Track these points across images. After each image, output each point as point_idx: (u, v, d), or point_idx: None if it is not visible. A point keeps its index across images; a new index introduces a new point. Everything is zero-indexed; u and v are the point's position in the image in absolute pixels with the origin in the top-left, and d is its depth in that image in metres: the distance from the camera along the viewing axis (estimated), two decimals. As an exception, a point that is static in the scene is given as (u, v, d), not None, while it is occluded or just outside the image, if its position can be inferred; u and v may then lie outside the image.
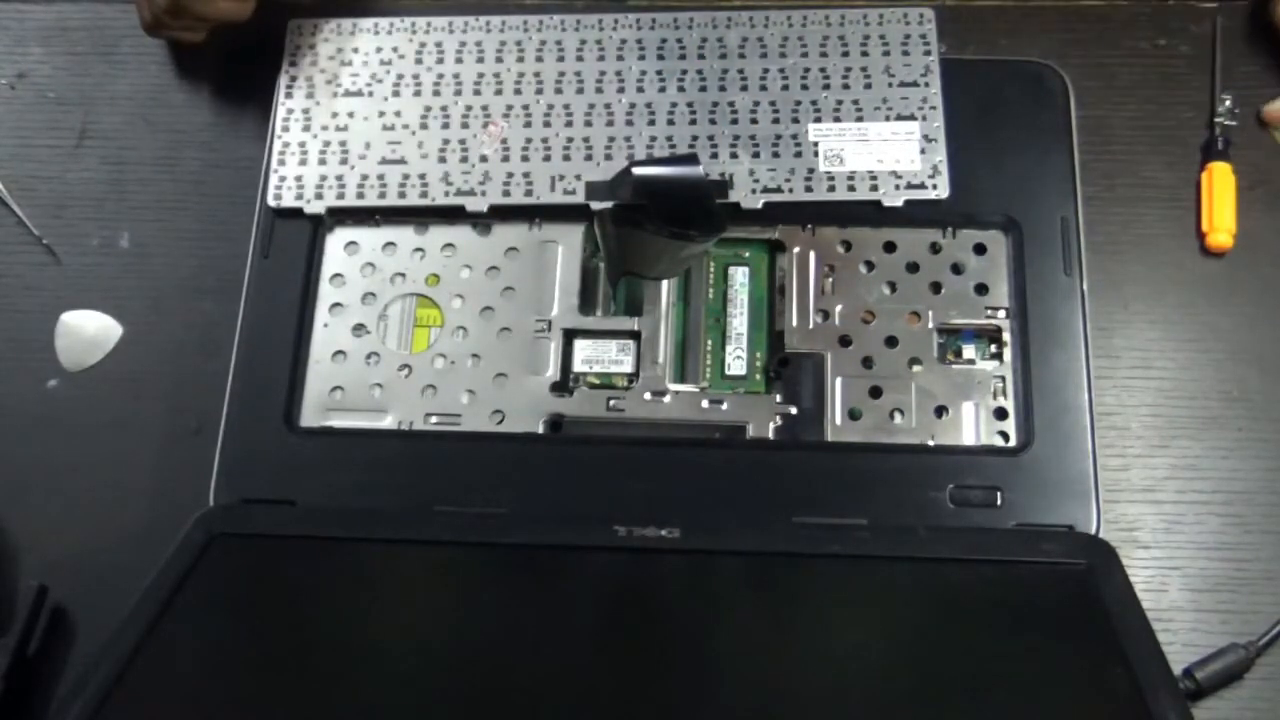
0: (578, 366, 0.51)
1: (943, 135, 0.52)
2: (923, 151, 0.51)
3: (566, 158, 0.52)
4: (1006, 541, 0.45)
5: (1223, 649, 0.46)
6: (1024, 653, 0.40)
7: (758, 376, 0.51)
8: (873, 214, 0.51)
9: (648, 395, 0.50)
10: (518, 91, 0.54)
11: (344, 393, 0.51)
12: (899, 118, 0.52)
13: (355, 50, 0.55)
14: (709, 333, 0.52)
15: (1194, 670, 0.45)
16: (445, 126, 0.53)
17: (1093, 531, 0.46)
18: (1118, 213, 0.53)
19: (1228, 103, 0.53)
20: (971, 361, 0.50)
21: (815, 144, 0.52)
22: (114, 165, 0.57)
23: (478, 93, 0.54)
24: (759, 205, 0.51)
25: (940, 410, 0.49)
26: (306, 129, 0.53)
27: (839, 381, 0.50)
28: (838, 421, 0.49)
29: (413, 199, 0.52)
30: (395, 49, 0.55)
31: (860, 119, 0.52)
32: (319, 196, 0.52)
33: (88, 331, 0.54)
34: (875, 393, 0.49)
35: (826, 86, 0.53)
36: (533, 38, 0.55)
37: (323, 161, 0.53)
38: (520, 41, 0.54)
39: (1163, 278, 0.52)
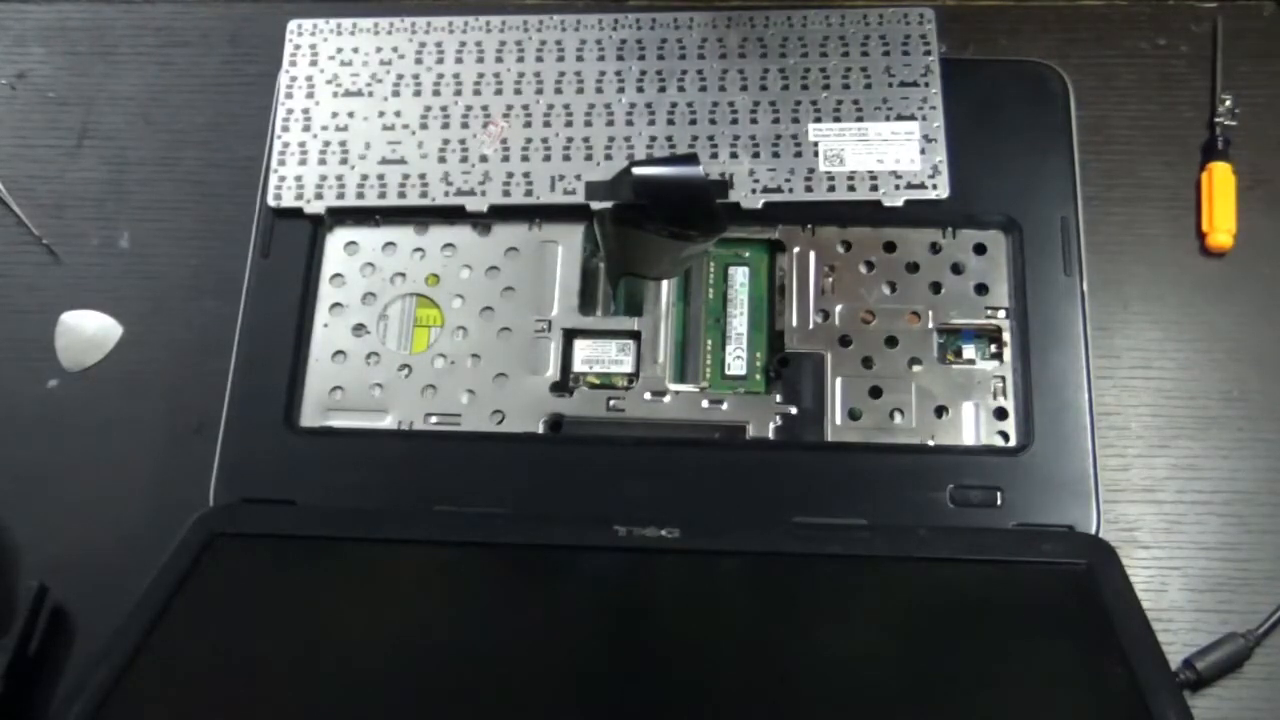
0: (578, 366, 0.51)
1: (943, 135, 0.52)
2: (923, 151, 0.51)
3: (566, 158, 0.52)
4: (1006, 541, 0.45)
5: (1221, 639, 0.46)
6: (1024, 652, 0.40)
7: (758, 376, 0.51)
8: (873, 214, 0.51)
9: (648, 395, 0.50)
10: (518, 91, 0.54)
11: (344, 393, 0.51)
12: (899, 118, 0.52)
13: (355, 50, 0.55)
14: (709, 333, 0.52)
15: (1194, 660, 0.45)
16: (445, 126, 0.53)
17: (1093, 531, 0.46)
18: (1118, 213, 0.53)
19: (1228, 103, 0.53)
20: (971, 361, 0.50)
21: (815, 144, 0.52)
22: (114, 165, 0.57)
23: (478, 93, 0.54)
24: (759, 205, 0.51)
25: (940, 410, 0.49)
26: (306, 129, 0.53)
27: (839, 381, 0.50)
28: (838, 421, 0.49)
29: (413, 199, 0.52)
30: (395, 49, 0.55)
31: (860, 119, 0.52)
32: (319, 196, 0.52)
33: (88, 331, 0.54)
34: (875, 393, 0.49)
35: (826, 86, 0.53)
36: (533, 38, 0.55)
37: (323, 161, 0.53)
38: (520, 41, 0.54)
39: (1163, 278, 0.52)
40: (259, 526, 0.46)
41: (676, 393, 0.50)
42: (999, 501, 0.46)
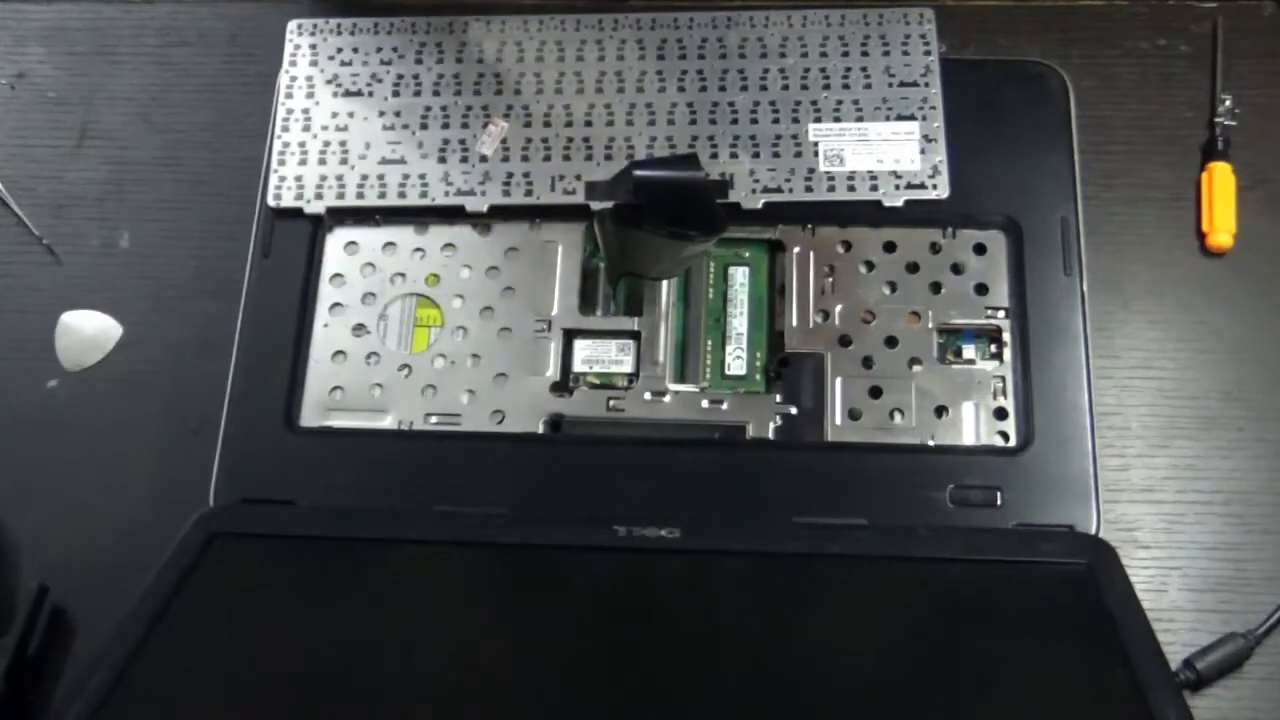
0: (578, 366, 0.51)
1: (943, 135, 0.52)
2: (923, 151, 0.51)
3: (566, 158, 0.52)
4: (1006, 541, 0.45)
5: (1221, 639, 0.46)
6: (1024, 653, 0.40)
7: (758, 376, 0.51)
8: (873, 214, 0.51)
9: (648, 395, 0.50)
10: (518, 91, 0.54)
11: (344, 393, 0.51)
12: (899, 118, 0.52)
13: (355, 50, 0.55)
14: (709, 333, 0.52)
15: (1194, 660, 0.45)
16: (445, 126, 0.53)
17: (1093, 531, 0.46)
18: (1118, 213, 0.53)
19: (1228, 103, 0.53)
20: (971, 361, 0.50)
21: (815, 144, 0.52)
22: (114, 165, 0.57)
23: (478, 93, 0.54)
24: (759, 205, 0.51)
25: (940, 410, 0.49)
26: (306, 129, 0.53)
27: (839, 381, 0.50)
28: (838, 421, 0.49)
29: (413, 199, 0.52)
30: (395, 49, 0.55)
31: (860, 119, 0.52)
32: (319, 196, 0.52)
33: (88, 331, 0.54)
34: (875, 393, 0.49)
35: (826, 86, 0.53)
36: (533, 38, 0.55)
37: (323, 161, 0.53)
38: (520, 41, 0.54)
39: (1163, 278, 0.52)
40: (259, 526, 0.46)
41: (676, 393, 0.50)
42: (999, 501, 0.46)
